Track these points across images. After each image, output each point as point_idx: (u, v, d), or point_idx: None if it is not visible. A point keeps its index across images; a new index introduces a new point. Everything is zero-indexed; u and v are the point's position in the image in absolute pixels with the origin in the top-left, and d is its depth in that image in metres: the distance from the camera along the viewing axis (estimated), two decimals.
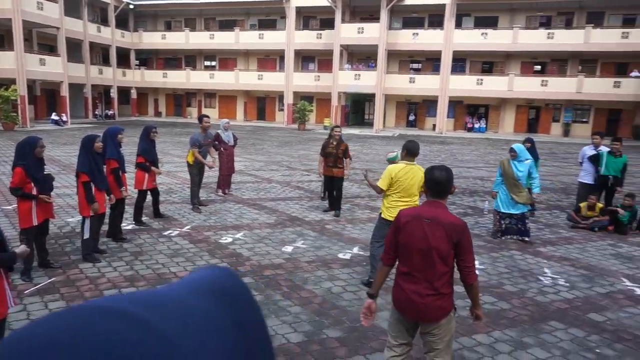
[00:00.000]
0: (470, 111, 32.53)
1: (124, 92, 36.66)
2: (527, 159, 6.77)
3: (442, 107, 29.89)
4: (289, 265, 5.54)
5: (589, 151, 8.13)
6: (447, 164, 14.91)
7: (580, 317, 4.49)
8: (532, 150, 7.86)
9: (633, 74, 28.23)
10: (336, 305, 4.52)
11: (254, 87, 34.07)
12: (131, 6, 34.51)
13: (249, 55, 35.96)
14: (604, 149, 7.97)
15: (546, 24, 30.29)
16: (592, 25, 28.16)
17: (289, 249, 6.16)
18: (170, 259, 5.61)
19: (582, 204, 7.88)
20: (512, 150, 6.81)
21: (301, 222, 7.55)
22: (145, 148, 6.81)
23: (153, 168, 6.84)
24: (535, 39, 28.52)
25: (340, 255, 5.97)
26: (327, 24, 31.71)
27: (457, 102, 31.62)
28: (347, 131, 29.37)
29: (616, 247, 6.87)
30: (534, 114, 31.48)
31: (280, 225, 7.27)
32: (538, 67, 31.13)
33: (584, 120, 30.49)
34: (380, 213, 4.93)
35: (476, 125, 31.61)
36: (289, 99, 32.64)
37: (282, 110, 34.09)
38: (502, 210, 6.78)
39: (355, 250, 6.22)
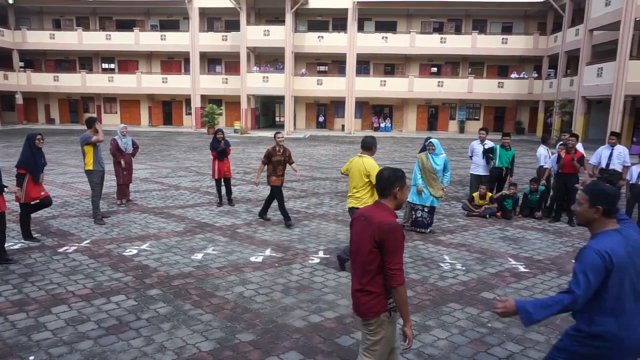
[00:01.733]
0: (376, 111, 34.07)
1: (6, 97, 32.97)
2: (442, 154, 7.28)
3: (350, 108, 30.95)
4: (199, 273, 5.38)
5: (477, 145, 8.93)
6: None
7: (475, 297, 4.92)
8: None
9: (513, 75, 31.62)
10: (249, 309, 4.48)
11: (159, 90, 32.53)
12: (10, 1, 31.01)
13: (152, 58, 34.26)
14: (489, 143, 8.81)
15: (439, 29, 32.75)
16: (478, 31, 31.08)
17: (198, 256, 5.98)
18: (67, 277, 5.16)
19: (475, 194, 8.64)
20: (430, 144, 7.23)
21: (211, 228, 7.37)
22: (25, 159, 6.15)
23: (9, 187, 5.88)
24: (430, 43, 30.73)
25: (252, 259, 5.93)
26: (233, 26, 31.30)
27: (364, 102, 32.96)
28: (258, 134, 29.27)
29: (504, 230, 7.63)
30: (433, 113, 33.84)
31: (190, 233, 7.04)
32: (434, 69, 33.53)
33: (476, 117, 33.44)
34: None
35: (382, 125, 33.19)
36: (196, 103, 31.65)
37: (190, 114, 32.95)
38: (417, 202, 7.22)
39: (268, 252, 6.22)
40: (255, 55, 33.23)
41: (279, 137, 7.50)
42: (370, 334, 2.68)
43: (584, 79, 22.54)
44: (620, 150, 7.95)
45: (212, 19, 33.53)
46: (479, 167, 8.91)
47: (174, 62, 34.45)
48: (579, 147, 8.32)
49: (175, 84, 32.06)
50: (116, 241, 6.53)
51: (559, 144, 8.59)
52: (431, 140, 7.32)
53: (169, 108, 35.03)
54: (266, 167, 7.56)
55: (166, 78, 32.22)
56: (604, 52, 23.18)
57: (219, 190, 9.03)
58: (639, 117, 24.21)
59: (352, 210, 5.40)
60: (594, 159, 8.16)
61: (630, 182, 7.73)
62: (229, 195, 9.11)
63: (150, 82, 32.24)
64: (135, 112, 35.01)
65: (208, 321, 4.20)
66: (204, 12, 32.12)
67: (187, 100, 32.97)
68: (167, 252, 6.12)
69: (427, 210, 7.21)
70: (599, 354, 2.32)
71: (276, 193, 7.48)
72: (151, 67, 34.34)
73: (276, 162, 7.39)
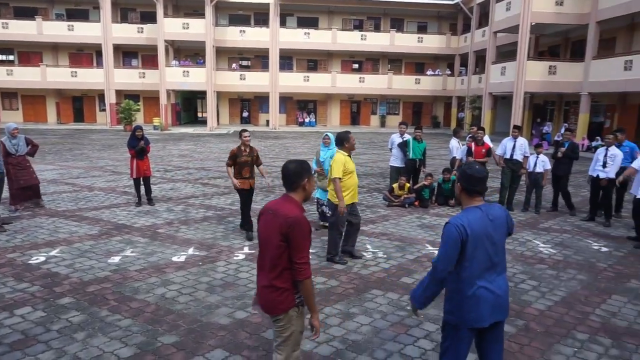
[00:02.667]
0: (300, 106, 34.29)
1: None
2: (333, 149, 7.41)
3: (274, 103, 30.85)
4: (117, 277, 5.11)
5: (397, 139, 9.35)
6: (281, 158, 15.33)
7: (395, 282, 5.17)
8: None
9: (428, 72, 33.42)
10: (171, 310, 4.35)
11: (67, 85, 30.05)
12: None
13: (58, 49, 31.58)
14: (408, 137, 9.26)
15: (359, 26, 33.64)
16: (395, 29, 32.40)
17: (116, 259, 5.67)
18: None
19: (395, 185, 9.04)
20: (326, 137, 7.34)
21: (130, 229, 7.02)
22: None
23: None
24: (351, 40, 31.51)
25: (175, 259, 5.74)
26: (149, 17, 29.78)
27: (288, 98, 33.01)
28: (179, 130, 28.21)
29: (421, 219, 8.08)
30: (356, 108, 34.77)
31: (106, 236, 6.64)
32: (356, 66, 34.42)
33: (396, 112, 34.88)
34: None
35: (306, 120, 33.49)
36: (111, 98, 29.71)
37: (104, 110, 30.89)
38: (320, 197, 7.28)
39: (191, 251, 6.05)
40: (175, 48, 31.92)
41: (245, 136, 6.66)
42: (281, 330, 2.68)
43: (491, 77, 24.38)
44: (522, 142, 8.73)
45: (125, 10, 31.63)
46: (397, 159, 9.33)
47: (84, 54, 32.05)
48: (486, 139, 9.02)
49: (87, 78, 29.82)
50: (20, 249, 5.99)
51: (468, 137, 9.25)
52: (327, 133, 7.39)
53: (79, 104, 32.55)
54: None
55: (75, 72, 29.86)
56: (507, 53, 25.21)
57: (137, 190, 8.61)
58: (537, 111, 26.71)
59: (329, 201, 5.91)
60: (499, 150, 8.88)
61: (529, 170, 8.54)
62: (148, 195, 8.71)
63: (56, 75, 29.65)
64: (40, 108, 32.12)
65: (127, 326, 4.01)
66: (116, 2, 30.22)
67: (101, 95, 30.83)
68: (80, 257, 5.73)
69: (327, 205, 7.00)
70: (462, 315, 2.56)
71: (242, 197, 6.73)
72: (58, 59, 31.66)
73: (242, 163, 6.60)
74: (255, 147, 7.07)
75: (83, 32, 29.26)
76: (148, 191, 8.70)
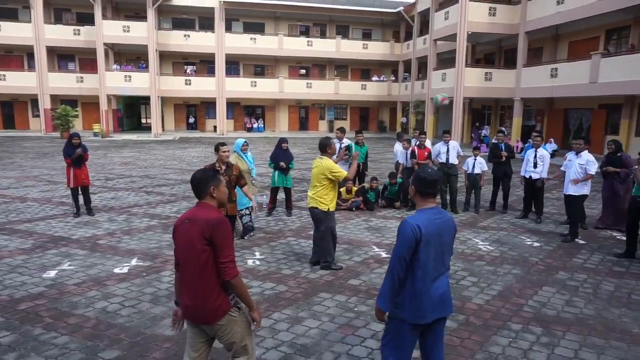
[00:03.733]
0: (248, 112, 33.99)
1: None
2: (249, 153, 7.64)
3: (221, 109, 30.38)
4: (53, 293, 4.84)
5: (336, 144, 9.38)
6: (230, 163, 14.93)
7: (343, 285, 5.25)
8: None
9: (374, 78, 34.26)
10: (113, 324, 4.18)
11: None
12: None
13: None
14: (347, 142, 9.39)
15: (305, 32, 33.91)
16: (341, 36, 32.97)
17: (51, 274, 5.37)
18: None
19: (342, 189, 9.18)
20: (245, 144, 7.47)
21: (67, 241, 6.66)
22: None
23: None
24: (298, 46, 31.68)
25: (117, 270, 5.51)
26: (86, 19, 28.43)
27: (235, 103, 32.62)
28: (122, 137, 27.10)
29: (368, 221, 8.26)
30: (304, 113, 34.94)
31: (40, 249, 6.27)
32: (303, 71, 34.63)
33: (344, 117, 35.39)
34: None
35: (255, 125, 33.23)
36: (45, 104, 28.00)
37: (38, 116, 29.04)
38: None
39: (134, 262, 5.84)
40: (115, 52, 30.67)
41: (223, 151, 5.72)
42: (227, 336, 2.67)
43: (432, 83, 25.37)
44: (454, 144, 9.15)
45: (59, 10, 29.99)
46: (341, 164, 9.42)
47: (13, 56, 30.02)
48: (428, 143, 9.39)
49: (17, 81, 27.93)
50: None
51: (413, 141, 9.58)
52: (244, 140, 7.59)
53: (9, 109, 30.44)
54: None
55: (4, 75, 27.88)
56: (447, 60, 26.34)
57: (75, 200, 8.19)
58: (475, 116, 28.09)
59: (311, 210, 5.64)
60: (433, 154, 9.24)
61: (467, 172, 8.97)
62: (87, 205, 8.32)
63: None
64: None
65: (64, 344, 3.81)
66: (49, 2, 28.60)
67: (34, 100, 28.98)
68: (10, 273, 5.38)
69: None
70: (407, 311, 2.65)
71: None
72: None
73: None
74: (236, 164, 6.22)
75: (11, 32, 27.36)
76: (87, 201, 8.31)
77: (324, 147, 5.58)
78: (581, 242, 7.16)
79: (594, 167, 7.07)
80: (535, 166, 8.24)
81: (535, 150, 8.30)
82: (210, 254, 2.54)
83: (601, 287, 5.34)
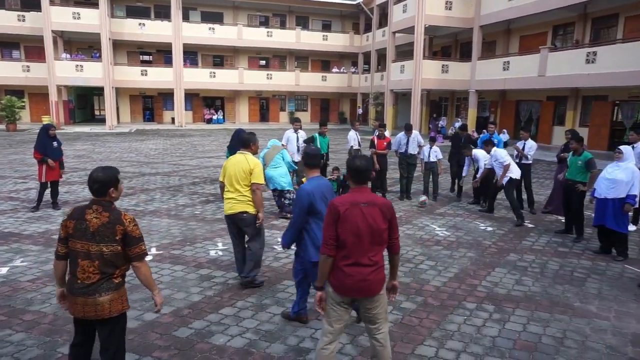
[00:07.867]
0: (208, 103, 33.37)
1: None
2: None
3: (179, 100, 29.67)
4: (5, 290, 4.66)
5: (291, 134, 9.31)
6: (188, 156, 14.92)
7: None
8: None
9: (334, 70, 34.41)
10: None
11: None
12: None
13: None
14: (302, 133, 9.40)
15: (265, 23, 33.55)
16: (301, 27, 32.85)
17: (2, 271, 5.16)
18: None
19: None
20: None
21: (19, 237, 6.40)
22: None
23: None
24: (257, 36, 31.31)
25: None
26: (32, 4, 26.87)
27: (194, 94, 31.94)
28: (74, 129, 25.98)
29: None
30: (265, 105, 34.67)
31: None
32: (263, 62, 34.30)
33: (304, 109, 35.40)
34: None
35: (214, 117, 32.68)
36: None
37: None
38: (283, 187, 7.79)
39: None
40: (65, 40, 29.25)
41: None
42: (379, 308, 2.97)
43: (391, 75, 25.78)
44: (414, 135, 9.41)
45: None
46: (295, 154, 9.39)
47: None
48: (387, 133, 9.61)
49: None
50: None
51: (375, 131, 9.77)
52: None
53: None
54: None
55: None
56: (405, 52, 26.81)
57: (41, 194, 8.00)
58: (433, 107, 28.83)
59: (238, 216, 4.69)
60: (394, 145, 9.47)
61: (424, 160, 9.26)
62: (54, 198, 8.14)
63: None
64: None
65: (20, 340, 3.71)
66: None
67: None
68: None
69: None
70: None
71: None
72: None
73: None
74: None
75: None
76: (55, 194, 8.18)
77: (249, 142, 4.81)
78: (530, 225, 7.59)
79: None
80: (522, 159, 8.57)
81: (524, 142, 8.61)
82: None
83: (547, 266, 5.70)
